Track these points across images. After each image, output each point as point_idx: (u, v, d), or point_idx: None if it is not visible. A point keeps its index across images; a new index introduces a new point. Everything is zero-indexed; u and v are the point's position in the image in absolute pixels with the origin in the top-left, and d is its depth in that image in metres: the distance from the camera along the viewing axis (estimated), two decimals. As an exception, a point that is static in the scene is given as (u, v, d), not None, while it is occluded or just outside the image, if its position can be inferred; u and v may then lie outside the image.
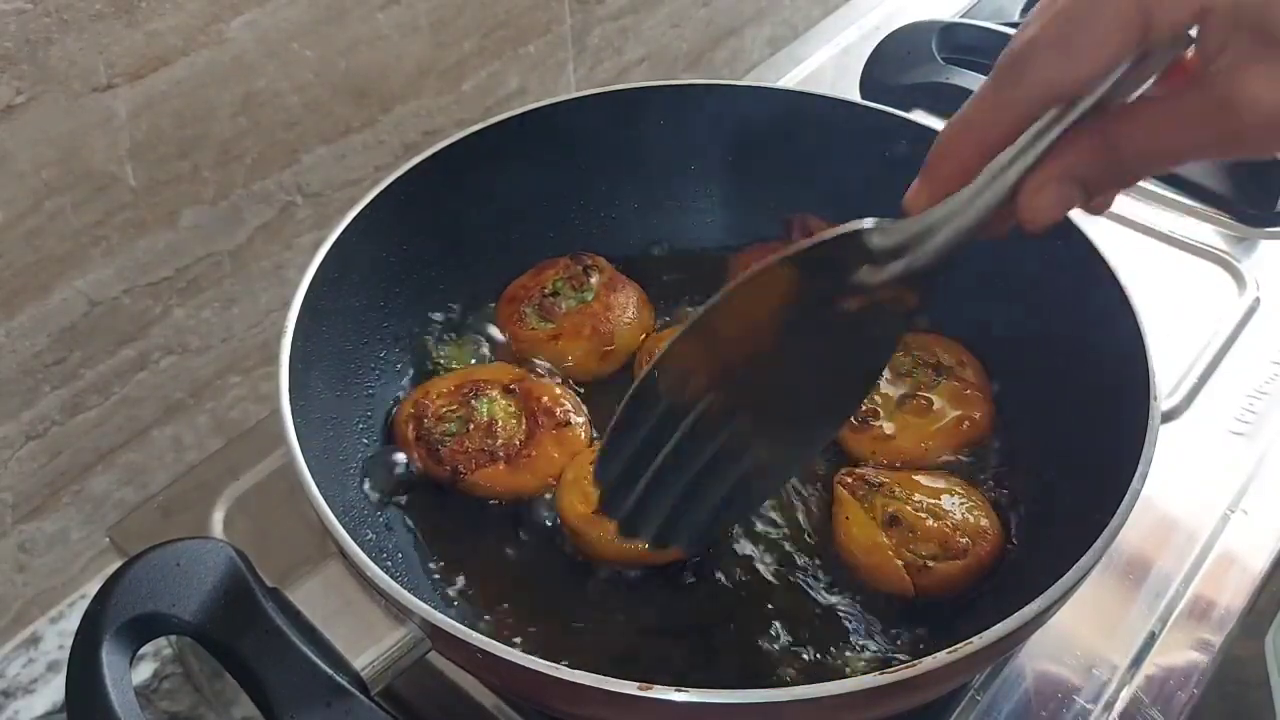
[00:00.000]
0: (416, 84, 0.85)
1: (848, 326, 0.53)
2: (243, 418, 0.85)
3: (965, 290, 0.66)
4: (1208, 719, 0.68)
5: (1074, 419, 0.68)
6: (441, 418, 0.72)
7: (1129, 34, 0.42)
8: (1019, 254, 0.69)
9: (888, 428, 0.72)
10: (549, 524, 0.69)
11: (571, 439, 0.72)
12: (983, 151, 0.47)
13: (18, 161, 0.64)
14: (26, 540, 0.75)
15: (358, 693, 0.50)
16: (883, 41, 1.11)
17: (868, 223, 0.50)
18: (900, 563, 0.64)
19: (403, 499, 0.71)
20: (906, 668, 0.49)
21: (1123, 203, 0.97)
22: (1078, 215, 0.69)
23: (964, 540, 0.65)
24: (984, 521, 0.66)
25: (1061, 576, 0.52)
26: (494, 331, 0.81)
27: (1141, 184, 0.99)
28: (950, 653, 0.49)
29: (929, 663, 0.49)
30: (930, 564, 0.64)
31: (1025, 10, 1.20)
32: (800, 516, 0.70)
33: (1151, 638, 0.69)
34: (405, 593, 0.52)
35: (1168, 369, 0.82)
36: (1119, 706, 0.66)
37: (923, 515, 0.66)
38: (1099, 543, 0.53)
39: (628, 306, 0.79)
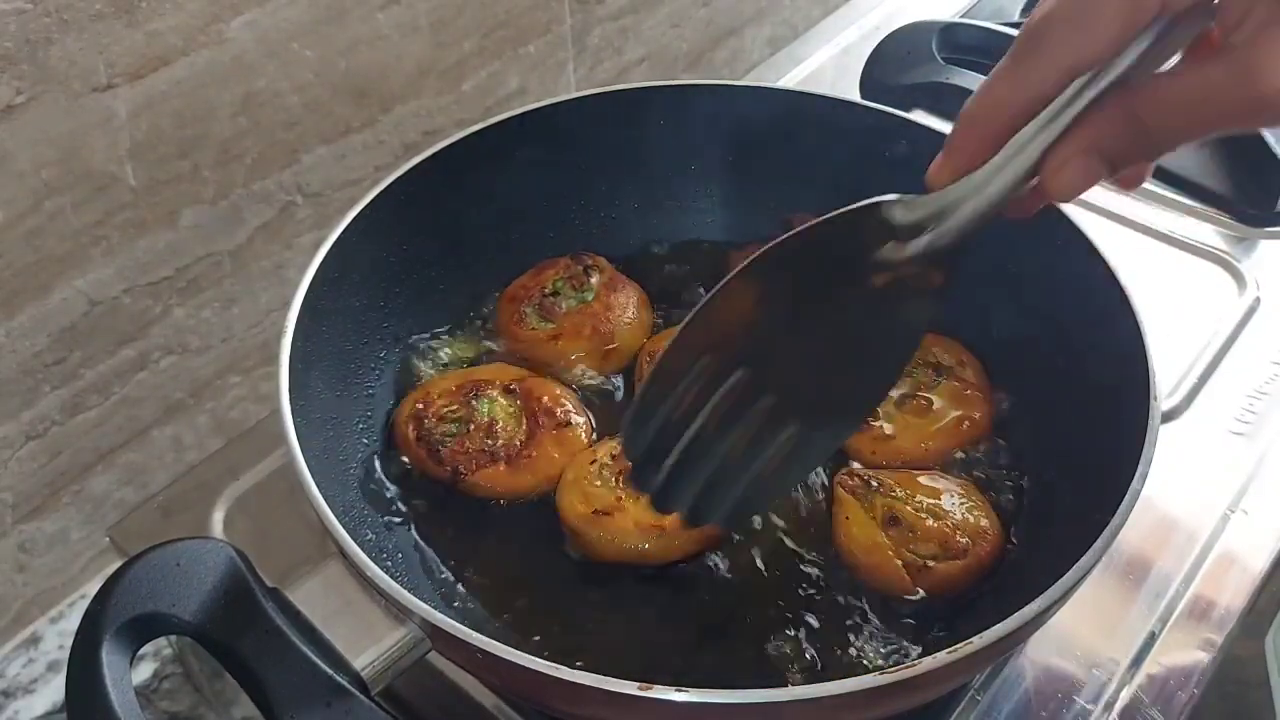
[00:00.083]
0: (416, 84, 0.85)
1: (876, 306, 0.53)
2: (243, 418, 0.85)
3: (965, 290, 0.66)
4: (1208, 719, 0.68)
5: (1074, 419, 0.68)
6: (442, 418, 0.72)
7: (1145, 6, 0.43)
8: (1019, 254, 0.69)
9: (887, 428, 0.72)
10: (549, 524, 0.69)
11: (572, 439, 0.72)
12: (1004, 127, 0.47)
13: (18, 161, 0.64)
14: (26, 540, 0.75)
15: (358, 693, 0.50)
16: (883, 41, 1.11)
17: (890, 196, 0.50)
18: (900, 563, 0.64)
19: (403, 499, 0.71)
20: (906, 668, 0.49)
21: (1123, 203, 0.97)
22: (1078, 215, 0.69)
23: (964, 540, 0.65)
24: (984, 521, 0.66)
25: (1061, 576, 0.52)
26: (494, 331, 0.81)
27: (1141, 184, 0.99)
28: (950, 653, 0.49)
29: (929, 663, 0.49)
30: (930, 564, 0.64)
31: (1025, 10, 1.20)
32: (801, 516, 0.70)
33: (1152, 638, 0.69)
34: (405, 593, 0.52)
35: (1168, 369, 0.82)
36: (1119, 706, 0.66)
37: (923, 515, 0.66)
38: (1099, 543, 0.53)
39: (628, 306, 0.79)
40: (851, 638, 0.64)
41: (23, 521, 0.74)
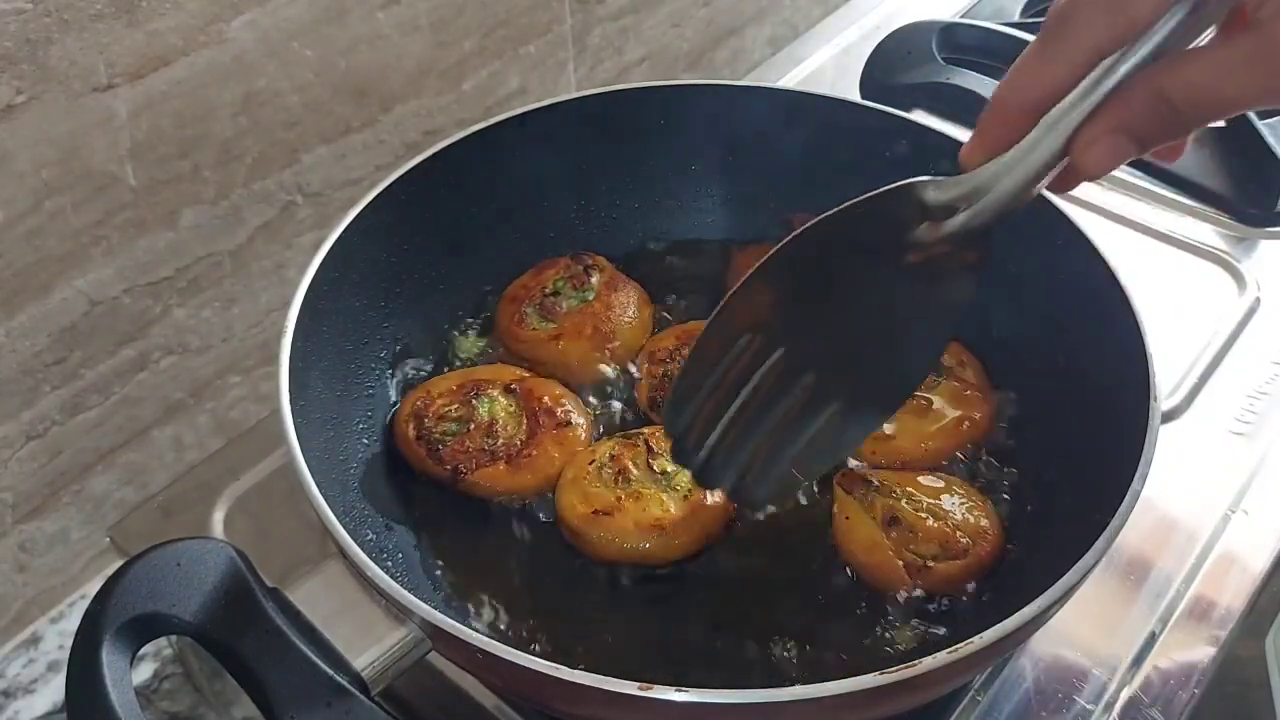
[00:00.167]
0: (417, 83, 0.85)
1: (913, 285, 0.54)
2: (243, 418, 0.85)
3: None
4: (1208, 719, 0.68)
5: (1074, 419, 0.69)
6: (442, 417, 0.72)
7: None
8: (1019, 254, 0.69)
9: (888, 428, 0.72)
10: (549, 524, 0.69)
11: (572, 439, 0.72)
12: (1034, 106, 0.48)
13: (18, 161, 0.64)
14: (27, 540, 0.75)
15: (358, 693, 0.50)
16: (883, 41, 1.11)
17: (923, 178, 0.51)
18: (900, 562, 0.64)
19: (403, 499, 0.71)
20: (906, 668, 0.49)
21: (1123, 203, 0.98)
22: (1078, 215, 0.69)
23: (964, 540, 0.65)
24: (984, 521, 0.66)
25: (1061, 576, 0.52)
26: (495, 331, 0.81)
27: (1141, 184, 0.99)
28: (950, 653, 0.49)
29: (929, 663, 0.49)
30: (930, 564, 0.64)
31: (1025, 10, 1.20)
32: (801, 516, 0.70)
33: (1152, 638, 0.69)
34: (405, 593, 0.52)
35: (1168, 369, 0.82)
36: (1119, 706, 0.66)
37: (923, 515, 0.66)
38: (1099, 543, 0.53)
39: (629, 306, 0.79)
40: (852, 638, 0.64)
41: (23, 521, 0.74)
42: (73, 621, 0.74)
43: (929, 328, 0.57)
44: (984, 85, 1.03)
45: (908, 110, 0.82)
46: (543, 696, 0.56)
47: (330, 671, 0.50)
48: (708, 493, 0.67)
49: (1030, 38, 1.13)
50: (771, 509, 0.70)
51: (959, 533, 0.65)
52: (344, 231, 0.69)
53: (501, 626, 0.65)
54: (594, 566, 0.67)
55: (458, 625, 0.51)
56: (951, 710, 0.65)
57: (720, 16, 1.14)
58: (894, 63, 1.08)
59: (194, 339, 0.79)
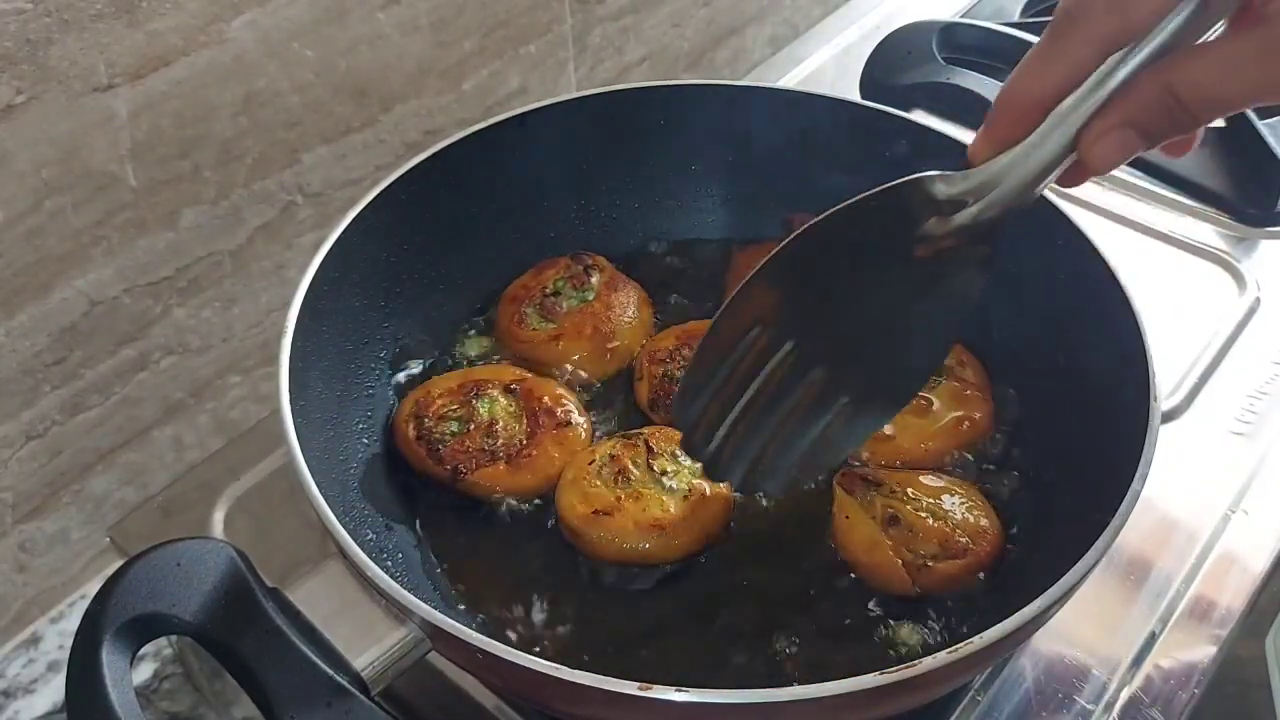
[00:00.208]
0: (417, 83, 0.85)
1: (923, 280, 0.55)
2: (243, 418, 0.85)
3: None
4: (1208, 719, 0.68)
5: (1074, 419, 0.68)
6: (442, 417, 0.72)
7: None
8: (1019, 254, 0.69)
9: (887, 428, 0.72)
10: (549, 524, 0.69)
11: (572, 439, 0.72)
12: (1041, 101, 0.48)
13: (18, 161, 0.64)
14: (27, 540, 0.75)
15: (358, 693, 0.50)
16: (883, 41, 1.11)
17: (932, 172, 0.51)
18: (900, 562, 0.64)
19: (403, 499, 0.71)
20: (906, 668, 0.49)
21: (1123, 203, 0.98)
22: (1078, 215, 0.69)
23: (964, 540, 0.65)
24: (984, 521, 0.66)
25: (1062, 576, 0.52)
26: (495, 331, 0.81)
27: (1141, 184, 0.99)
28: (950, 653, 0.49)
29: (929, 663, 0.49)
30: (930, 563, 0.64)
31: (1025, 10, 1.20)
32: (801, 515, 0.70)
33: (1152, 638, 0.69)
34: (405, 593, 0.52)
35: (1168, 369, 0.82)
36: (1119, 706, 0.66)
37: (923, 515, 0.66)
38: (1099, 543, 0.53)
39: (629, 305, 0.79)
40: (852, 638, 0.64)
41: (23, 521, 0.74)
42: (73, 621, 0.74)
43: (939, 322, 0.58)
44: (984, 85, 1.03)
45: (908, 110, 0.82)
46: (543, 696, 0.56)
47: (330, 671, 0.50)
48: (718, 485, 0.68)
49: (1030, 37, 1.13)
50: (772, 500, 0.70)
51: (959, 532, 0.65)
52: (344, 231, 0.69)
53: (501, 626, 0.65)
54: (594, 566, 0.67)
55: (458, 625, 0.51)
56: (951, 710, 0.65)
57: (720, 16, 1.14)
58: (894, 63, 1.08)
59: (194, 339, 0.79)
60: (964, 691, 0.66)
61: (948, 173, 0.51)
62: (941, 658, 0.49)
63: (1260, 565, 0.73)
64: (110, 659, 0.49)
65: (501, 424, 0.72)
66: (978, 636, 0.50)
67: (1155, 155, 0.49)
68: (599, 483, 0.68)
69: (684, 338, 0.77)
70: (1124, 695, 0.66)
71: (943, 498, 0.67)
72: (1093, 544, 0.53)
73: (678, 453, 0.69)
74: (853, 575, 0.66)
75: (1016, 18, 1.18)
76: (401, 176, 0.73)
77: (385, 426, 0.74)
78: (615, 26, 1.01)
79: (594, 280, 0.80)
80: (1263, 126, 0.97)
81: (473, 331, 0.81)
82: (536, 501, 0.70)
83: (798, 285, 0.56)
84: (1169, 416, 0.81)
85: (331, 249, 0.68)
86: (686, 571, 0.67)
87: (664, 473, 0.68)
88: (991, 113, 0.50)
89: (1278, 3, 0.42)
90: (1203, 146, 0.98)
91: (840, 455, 0.65)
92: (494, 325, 0.81)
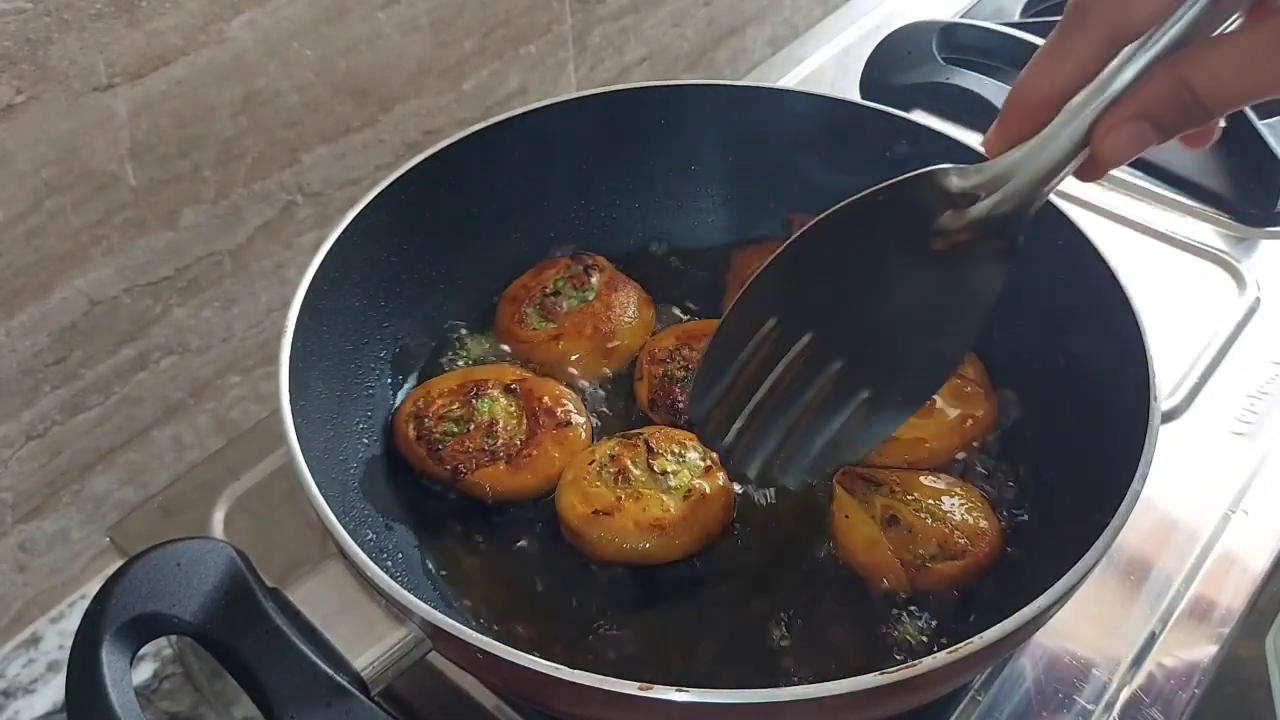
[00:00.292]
0: (417, 83, 0.85)
1: (941, 274, 0.55)
2: (243, 418, 0.85)
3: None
4: (1208, 719, 0.68)
5: (1074, 419, 0.68)
6: (442, 417, 0.72)
7: None
8: (1019, 254, 0.69)
9: (890, 428, 0.72)
10: (549, 524, 0.69)
11: (572, 439, 0.72)
12: (1052, 96, 0.48)
13: (18, 161, 0.64)
14: (26, 540, 0.75)
15: (358, 693, 0.50)
16: (883, 41, 1.11)
17: (945, 165, 0.52)
18: (899, 562, 0.64)
19: (403, 499, 0.71)
20: (906, 668, 0.49)
21: (1123, 203, 0.98)
22: (1078, 215, 0.69)
23: (963, 541, 0.65)
24: (983, 523, 0.66)
25: (1062, 576, 0.52)
26: (495, 331, 0.81)
27: (1141, 184, 0.99)
28: (950, 653, 0.49)
29: (929, 663, 0.49)
30: (928, 564, 0.64)
31: (1025, 10, 1.20)
32: (800, 515, 0.70)
33: (1152, 638, 0.69)
34: (405, 593, 0.52)
35: (1168, 369, 0.82)
36: (1119, 706, 0.66)
37: (922, 515, 0.66)
38: (1099, 543, 0.53)
39: (629, 305, 0.80)
40: (852, 638, 0.64)
41: (23, 521, 0.74)
42: (73, 621, 0.74)
43: (959, 318, 0.57)
44: (984, 85, 1.03)
45: (908, 110, 0.82)
46: (543, 696, 0.56)
47: (330, 671, 0.50)
48: (718, 484, 0.68)
49: (1029, 37, 1.13)
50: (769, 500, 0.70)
51: (958, 534, 0.65)
52: (344, 231, 0.69)
53: (501, 626, 0.65)
54: (594, 566, 0.67)
55: (458, 625, 0.51)
56: (951, 710, 0.65)
57: (721, 16, 1.14)
58: (894, 63, 1.08)
59: (194, 339, 0.79)
60: (964, 691, 0.66)
61: (962, 165, 0.52)
62: (941, 658, 0.49)
63: (1260, 565, 0.73)
64: (110, 659, 0.49)
65: (501, 424, 0.72)
66: (978, 636, 0.50)
67: (1163, 151, 0.49)
68: (599, 483, 0.68)
69: (684, 338, 0.77)
70: (1124, 695, 0.66)
71: (942, 499, 0.67)
72: (1093, 544, 0.53)
73: (679, 451, 0.69)
74: (852, 574, 0.66)
75: (1016, 18, 1.18)
76: (401, 176, 0.73)
77: (385, 426, 0.74)
78: (615, 26, 1.01)
79: (594, 280, 0.80)
80: (1263, 126, 0.97)
81: (473, 331, 0.81)
82: (536, 501, 0.70)
83: (814, 275, 0.56)
84: (1169, 416, 0.81)
85: (331, 249, 0.68)
86: (687, 571, 0.67)
87: (664, 473, 0.68)
88: (1004, 108, 0.50)
89: None
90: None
91: (860, 451, 0.64)
92: (494, 325, 0.81)
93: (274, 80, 0.75)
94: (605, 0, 0.99)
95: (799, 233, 0.55)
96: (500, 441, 0.71)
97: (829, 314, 0.58)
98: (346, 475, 0.68)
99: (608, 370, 0.78)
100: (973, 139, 0.82)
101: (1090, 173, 0.50)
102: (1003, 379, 0.76)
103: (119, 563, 0.52)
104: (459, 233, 0.80)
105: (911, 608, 0.65)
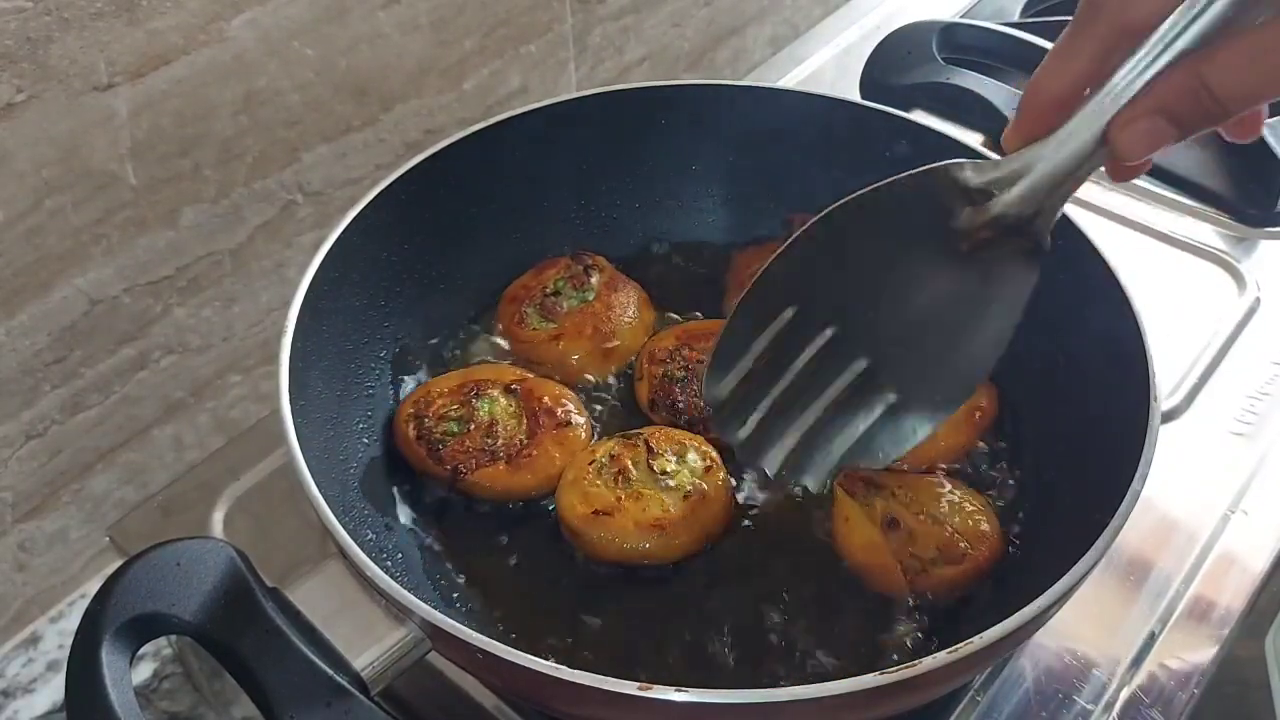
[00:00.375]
0: (417, 83, 0.85)
1: (965, 274, 0.54)
2: (243, 417, 0.85)
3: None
4: (1208, 719, 0.68)
5: (1074, 419, 0.68)
6: (442, 417, 0.72)
7: None
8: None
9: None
10: (549, 524, 0.69)
11: (572, 439, 0.72)
12: (1064, 93, 0.48)
13: (18, 160, 0.64)
14: (26, 539, 0.75)
15: (358, 693, 0.50)
16: (883, 41, 1.11)
17: (961, 160, 0.52)
18: (899, 565, 0.64)
19: (403, 499, 0.71)
20: (906, 668, 0.49)
21: (1123, 203, 0.97)
22: (1078, 215, 0.69)
23: (963, 545, 0.65)
24: (984, 526, 0.66)
25: (1061, 577, 0.52)
26: (495, 331, 0.81)
27: (1141, 184, 0.99)
28: (950, 653, 0.49)
29: (929, 663, 0.49)
30: (929, 567, 0.64)
31: (1025, 10, 1.20)
32: (801, 516, 0.70)
33: (1151, 638, 0.69)
34: (405, 593, 0.52)
35: (1168, 369, 0.82)
36: (1119, 706, 0.66)
37: (922, 518, 0.66)
38: (1099, 543, 0.53)
39: (629, 306, 0.79)
40: (852, 638, 0.64)
41: (23, 521, 0.74)
42: (72, 621, 0.74)
43: (989, 321, 0.57)
44: (984, 85, 1.03)
45: (908, 110, 0.82)
46: (543, 696, 0.56)
47: (330, 671, 0.50)
48: (718, 485, 0.68)
49: (1029, 37, 1.13)
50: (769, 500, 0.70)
51: (958, 537, 0.65)
52: (344, 231, 0.69)
53: (501, 626, 0.65)
54: (594, 566, 0.67)
55: (458, 625, 0.51)
56: (951, 710, 0.65)
57: (721, 16, 1.14)
58: (894, 63, 1.08)
59: (194, 338, 0.79)
60: (964, 691, 0.66)
61: (978, 160, 0.52)
62: (941, 658, 0.49)
63: (1260, 565, 0.73)
64: (110, 659, 0.49)
65: (501, 424, 0.72)
66: (978, 636, 0.50)
67: (1163, 151, 0.48)
68: (599, 483, 0.68)
69: (684, 338, 0.77)
70: (1124, 695, 0.66)
71: (943, 501, 0.67)
72: (1093, 544, 0.53)
73: (679, 451, 0.69)
74: (852, 575, 0.66)
75: (1016, 18, 1.18)
76: (401, 176, 0.73)
77: (385, 426, 0.74)
78: (616, 26, 1.01)
79: (594, 280, 0.80)
80: (1263, 126, 0.96)
81: (473, 332, 0.81)
82: (537, 501, 0.70)
83: (832, 265, 0.56)
84: (1169, 416, 0.81)
85: (331, 248, 0.68)
86: (686, 571, 0.67)
87: (664, 473, 0.68)
88: (1019, 108, 0.50)
89: None
90: (1204, 146, 0.99)
91: (885, 458, 0.62)
92: (494, 325, 0.81)
93: (274, 79, 0.75)
94: (606, 0, 0.99)
95: (813, 220, 0.54)
96: (500, 441, 0.71)
97: (852, 309, 0.57)
98: (346, 475, 0.68)
99: (608, 370, 0.78)
100: (973, 139, 0.82)
101: (1116, 172, 0.50)
102: (1002, 378, 0.76)
103: (119, 562, 0.52)
104: (459, 233, 0.80)
105: (912, 607, 0.65)
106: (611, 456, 0.69)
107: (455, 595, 0.67)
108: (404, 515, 0.70)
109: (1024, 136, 0.50)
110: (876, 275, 0.56)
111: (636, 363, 0.78)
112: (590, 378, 0.78)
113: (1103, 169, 0.50)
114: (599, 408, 0.76)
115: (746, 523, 0.69)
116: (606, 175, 0.84)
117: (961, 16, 1.19)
